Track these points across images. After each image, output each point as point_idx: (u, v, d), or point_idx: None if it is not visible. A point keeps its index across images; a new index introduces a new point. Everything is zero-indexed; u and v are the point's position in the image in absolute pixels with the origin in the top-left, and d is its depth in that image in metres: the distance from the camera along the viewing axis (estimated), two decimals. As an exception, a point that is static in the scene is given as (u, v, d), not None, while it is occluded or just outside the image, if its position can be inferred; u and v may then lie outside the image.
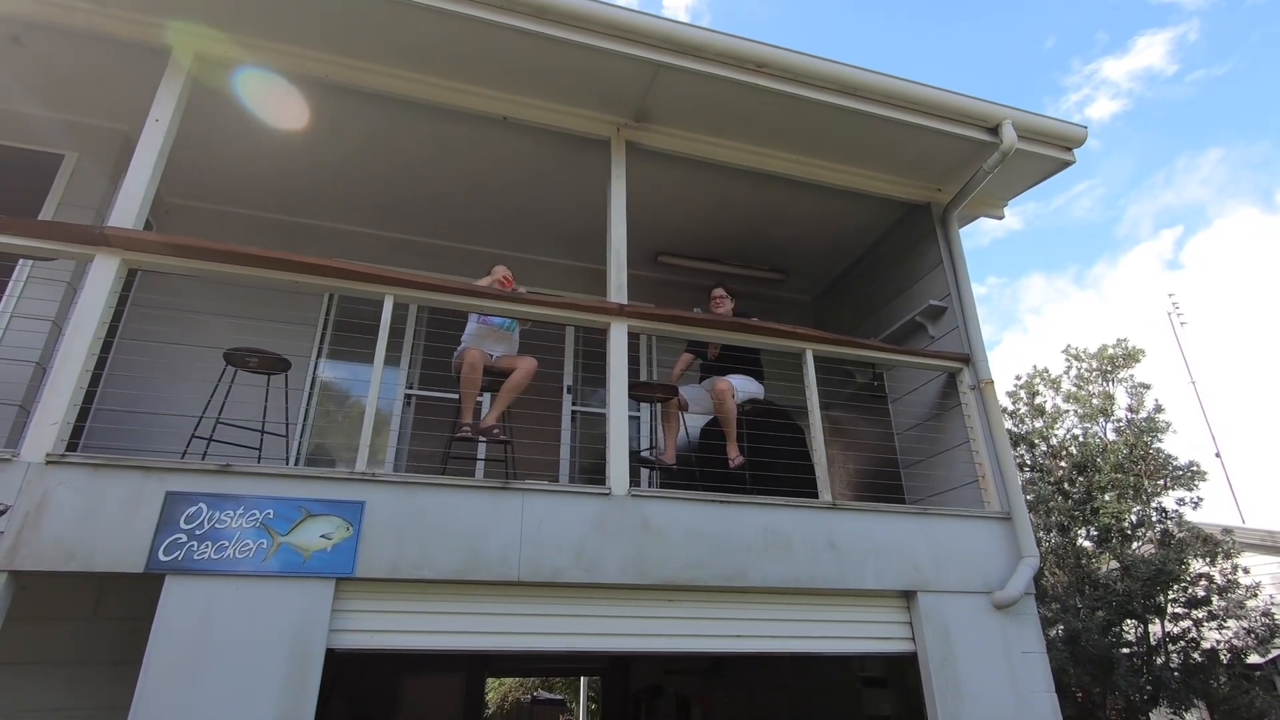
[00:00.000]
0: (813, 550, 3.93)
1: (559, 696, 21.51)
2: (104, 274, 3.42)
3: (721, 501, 3.90)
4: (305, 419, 4.30)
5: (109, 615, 3.79)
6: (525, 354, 4.23)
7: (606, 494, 3.73)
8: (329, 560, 3.21)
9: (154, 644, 2.89)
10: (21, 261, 4.01)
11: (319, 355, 5.17)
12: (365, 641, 3.22)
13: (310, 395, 4.82)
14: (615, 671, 11.48)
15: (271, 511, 3.22)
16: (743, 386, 4.54)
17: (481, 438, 3.95)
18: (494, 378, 4.16)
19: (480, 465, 4.99)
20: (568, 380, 5.94)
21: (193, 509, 3.13)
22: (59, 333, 4.19)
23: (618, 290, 4.29)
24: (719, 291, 4.95)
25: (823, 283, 6.93)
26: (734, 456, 4.39)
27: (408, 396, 5.46)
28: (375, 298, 3.86)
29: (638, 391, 4.28)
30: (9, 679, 3.51)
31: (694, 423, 4.98)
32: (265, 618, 3.05)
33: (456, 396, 5.43)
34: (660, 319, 4.29)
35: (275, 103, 4.39)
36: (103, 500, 3.05)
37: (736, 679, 7.59)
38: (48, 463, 3.05)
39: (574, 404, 5.91)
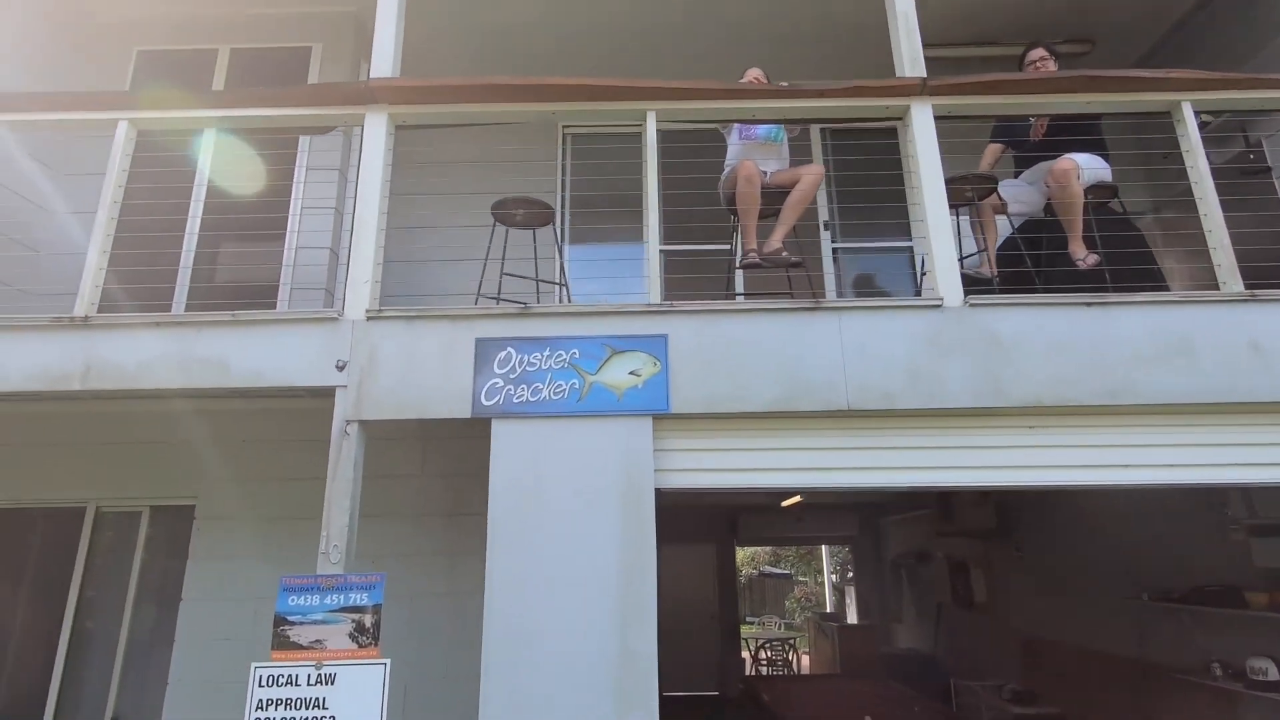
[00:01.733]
0: (1226, 355, 2.98)
1: (784, 570, 21.92)
2: (376, 132, 3.32)
3: (1091, 303, 3.05)
4: (562, 269, 4.12)
5: (435, 472, 4.02)
6: (806, 163, 3.58)
7: (937, 305, 3.07)
8: (642, 397, 2.97)
9: (495, 488, 2.88)
10: (300, 148, 4.12)
11: (563, 207, 4.97)
12: (688, 480, 2.99)
13: (562, 244, 4.60)
14: (866, 538, 11.15)
15: (577, 351, 3.03)
16: (1089, 165, 3.51)
17: (768, 263, 3.46)
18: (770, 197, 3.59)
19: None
20: (824, 215, 5.21)
21: (503, 353, 3.03)
22: (339, 219, 4.34)
23: (912, 62, 3.43)
24: (1038, 53, 3.83)
25: (1141, 47, 5.32)
26: (1082, 254, 3.46)
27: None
28: (630, 120, 3.44)
29: (952, 185, 3.47)
30: (372, 527, 3.84)
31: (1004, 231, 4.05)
32: (592, 458, 2.91)
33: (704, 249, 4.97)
34: (978, 89, 3.37)
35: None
36: (422, 350, 3.04)
37: (1034, 534, 6.78)
38: (368, 318, 3.09)
39: (834, 241, 5.20)
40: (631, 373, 3.00)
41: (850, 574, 16.71)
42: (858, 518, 10.94)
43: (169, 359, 3.04)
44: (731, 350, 3.03)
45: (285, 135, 4.05)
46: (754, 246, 3.48)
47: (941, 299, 3.07)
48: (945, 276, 3.12)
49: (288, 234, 4.12)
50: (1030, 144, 3.85)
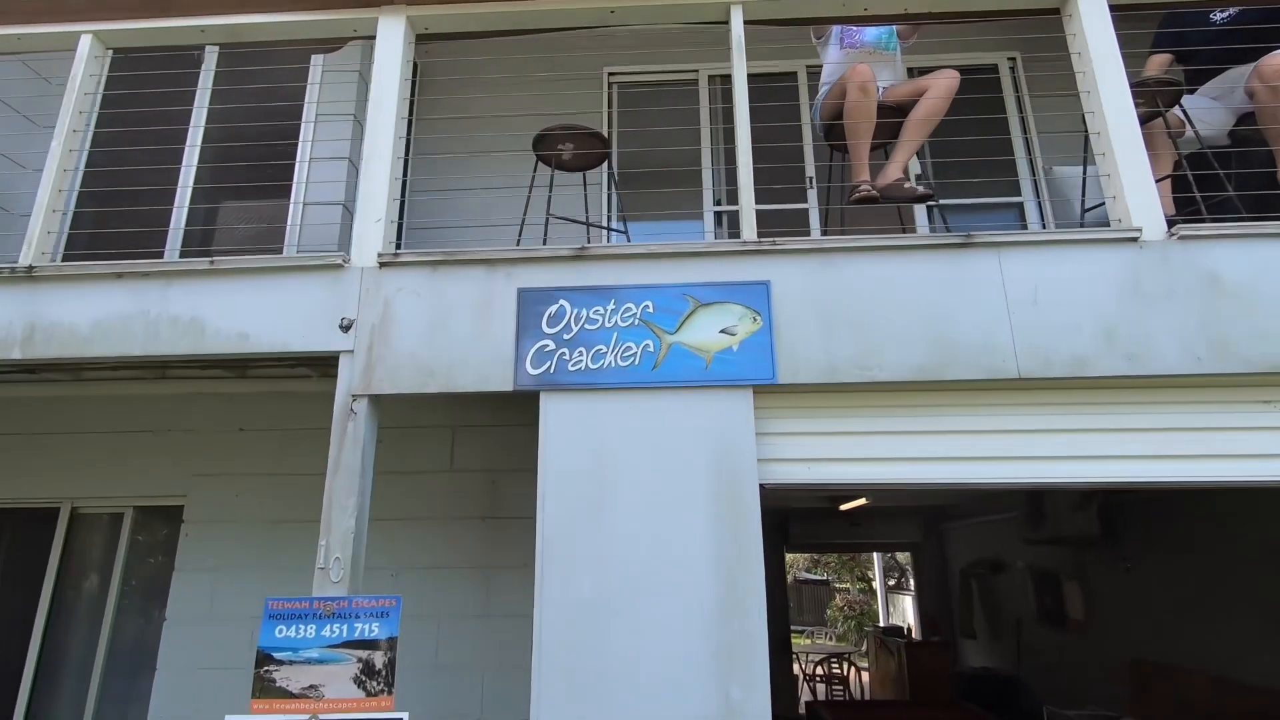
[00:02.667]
0: None
1: (821, 577, 20.91)
2: (392, 38, 2.65)
3: (1355, 232, 2.24)
4: (619, 213, 3.42)
5: (467, 466, 3.32)
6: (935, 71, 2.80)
7: (1133, 238, 2.28)
8: (738, 363, 2.24)
9: (545, 484, 2.16)
10: (310, 80, 3.46)
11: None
12: (801, 474, 2.24)
13: (612, 181, 3.84)
14: (931, 544, 10.24)
15: (650, 303, 2.31)
16: (1304, 63, 2.68)
17: (889, 198, 2.71)
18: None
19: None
20: (914, 167, 4.40)
21: (554, 308, 2.32)
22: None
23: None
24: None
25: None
26: (1304, 180, 2.63)
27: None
28: (709, 18, 2.72)
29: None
30: (387, 534, 3.17)
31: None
32: (672, 444, 2.19)
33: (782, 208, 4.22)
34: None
35: None
36: (449, 305, 2.35)
37: (1151, 542, 5.87)
38: (381, 265, 2.40)
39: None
40: (723, 331, 2.26)
41: (892, 582, 15.72)
42: (921, 522, 10.04)
43: (132, 320, 2.38)
44: (856, 300, 2.28)
45: (291, 63, 3.41)
46: (867, 177, 2.73)
47: (1139, 230, 2.28)
48: (1139, 200, 2.32)
49: (294, 186, 3.46)
50: (1211, 52, 3.02)
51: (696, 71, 4.64)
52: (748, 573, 2.07)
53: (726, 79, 4.61)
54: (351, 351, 2.31)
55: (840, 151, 3.13)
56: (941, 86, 2.65)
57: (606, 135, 4.29)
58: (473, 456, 3.34)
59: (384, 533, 3.30)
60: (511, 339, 2.29)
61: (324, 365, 2.41)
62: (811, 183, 3.96)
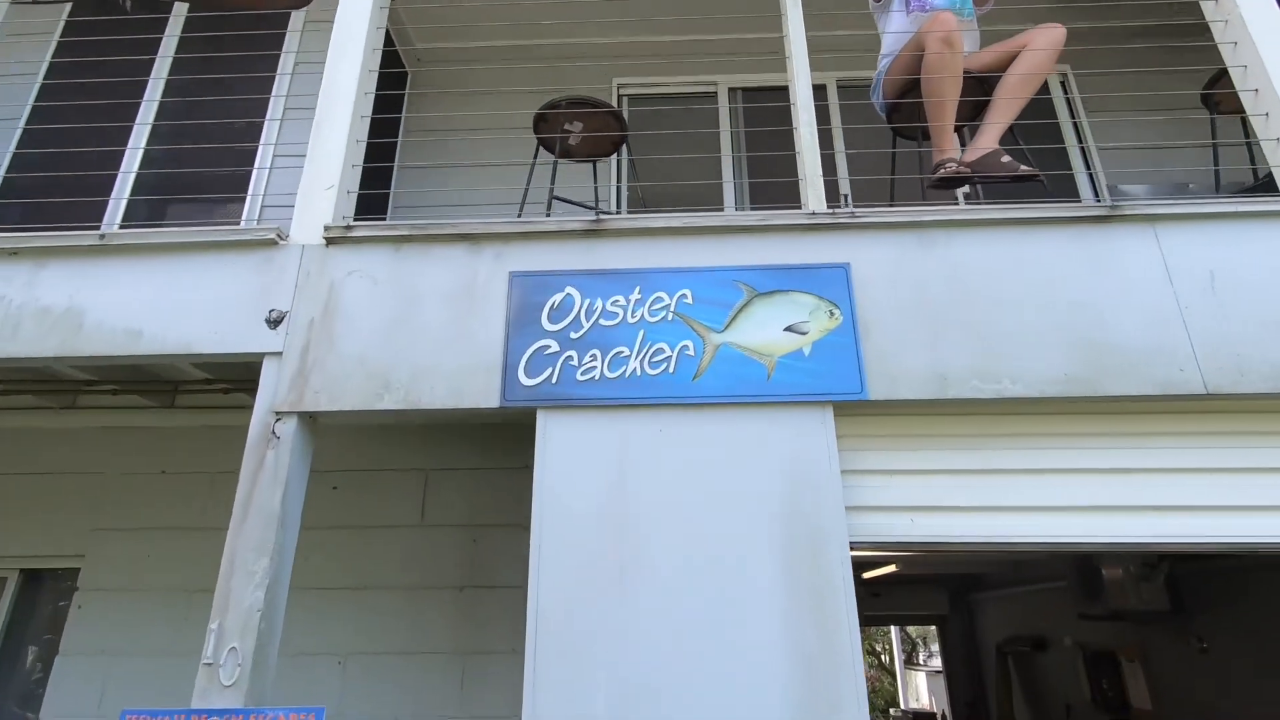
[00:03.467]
0: None
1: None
2: (361, -24, 2.14)
3: None
4: (623, 196, 2.85)
5: (443, 519, 2.64)
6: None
7: (1336, 212, 1.71)
8: (811, 372, 1.62)
9: (541, 539, 1.51)
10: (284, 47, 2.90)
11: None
12: (907, 529, 1.58)
13: (630, 168, 3.26)
14: (958, 617, 9.35)
15: (688, 292, 1.70)
16: None
17: (983, 176, 2.14)
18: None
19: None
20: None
21: (558, 297, 1.71)
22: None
23: None
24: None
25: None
26: None
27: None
28: None
29: None
30: (330, 609, 2.47)
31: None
32: (724, 483, 1.54)
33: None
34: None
35: None
36: (417, 293, 1.74)
37: (1233, 617, 5.11)
38: (328, 242, 1.80)
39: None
40: (789, 329, 1.65)
41: (903, 657, 14.66)
42: (948, 591, 9.19)
43: (-13, 310, 1.76)
44: (970, 290, 1.68)
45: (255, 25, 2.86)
46: (955, 151, 2.18)
47: (1342, 200, 1.71)
48: (1333, 166, 1.77)
49: (259, 149, 2.79)
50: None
51: (715, 84, 4.20)
52: (839, 672, 1.39)
53: (748, 92, 4.16)
54: (280, 354, 1.68)
55: (906, 138, 2.59)
56: (1047, 38, 2.13)
57: (617, 161, 3.79)
58: (450, 507, 2.66)
59: (330, 605, 2.60)
60: (499, 338, 1.67)
61: (235, 365, 1.79)
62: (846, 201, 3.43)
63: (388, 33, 2.68)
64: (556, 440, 1.58)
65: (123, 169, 2.61)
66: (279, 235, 1.79)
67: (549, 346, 1.66)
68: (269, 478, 1.57)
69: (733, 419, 1.59)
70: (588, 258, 1.75)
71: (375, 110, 2.05)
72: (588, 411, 1.60)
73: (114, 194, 2.66)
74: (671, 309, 1.68)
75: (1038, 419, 1.63)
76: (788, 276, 1.70)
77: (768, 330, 1.65)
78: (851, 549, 1.50)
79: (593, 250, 1.76)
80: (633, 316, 1.68)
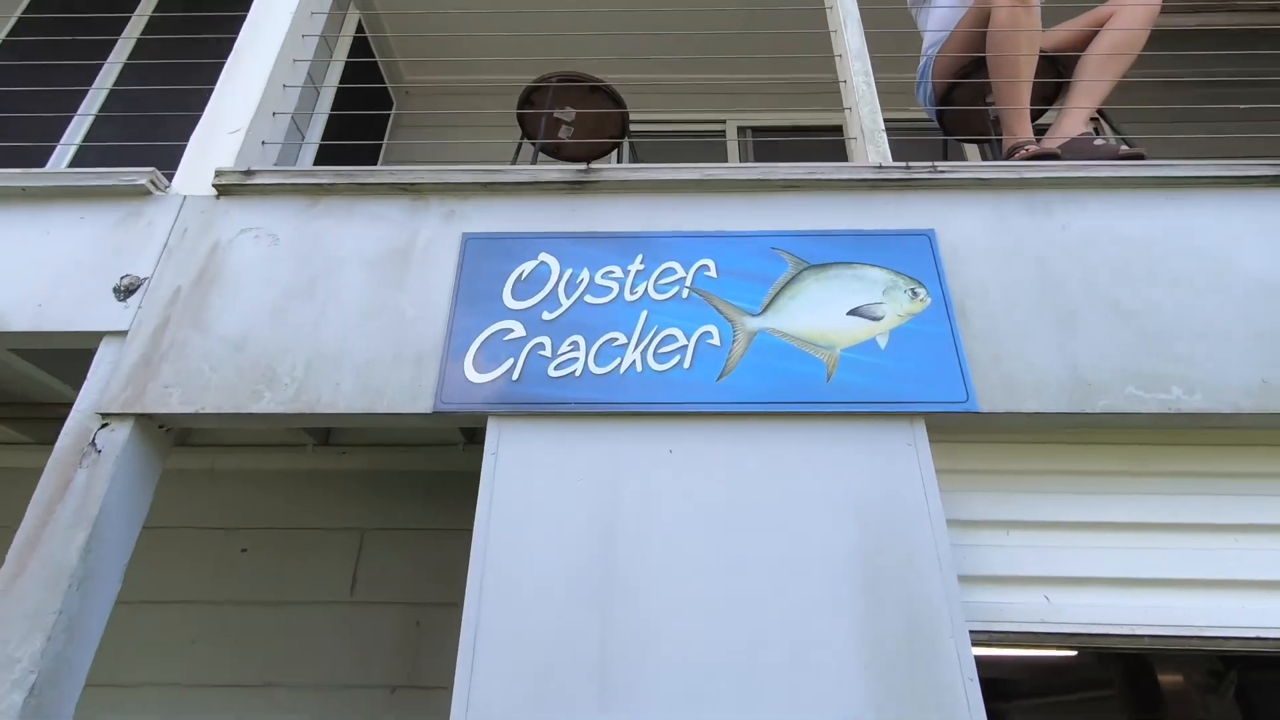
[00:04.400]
0: None
1: None
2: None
3: None
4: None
5: (374, 597, 2.03)
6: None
7: None
8: (890, 372, 1.11)
9: (480, 606, 0.95)
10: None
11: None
12: (1044, 613, 1.03)
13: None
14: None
15: (710, 262, 1.21)
16: None
17: (1074, 159, 1.70)
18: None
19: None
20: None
21: (529, 265, 1.21)
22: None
23: None
24: None
25: None
26: None
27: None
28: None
29: None
30: (226, 714, 1.85)
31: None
32: (766, 535, 1.00)
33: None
34: None
35: None
36: (332, 259, 1.24)
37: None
38: (220, 192, 1.32)
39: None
40: (854, 313, 1.16)
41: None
42: (973, 699, 8.22)
43: None
44: (1109, 267, 1.19)
45: None
46: (1030, 132, 1.75)
47: None
48: None
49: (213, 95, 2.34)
50: None
51: (724, 122, 3.90)
52: None
53: (758, 131, 3.84)
54: (124, 333, 1.17)
55: (962, 139, 2.18)
56: (1140, 13, 1.74)
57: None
58: (389, 578, 2.06)
59: (225, 708, 1.97)
60: (442, 317, 1.17)
61: (68, 345, 1.27)
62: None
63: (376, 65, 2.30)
64: (514, 463, 1.04)
65: (81, 110, 2.15)
66: (153, 183, 1.31)
67: (511, 330, 1.15)
68: (70, 512, 1.02)
69: (776, 435, 1.06)
70: (572, 218, 1.27)
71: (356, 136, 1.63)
72: (563, 421, 1.07)
73: (63, 139, 2.18)
74: (688, 283, 1.19)
75: (1225, 449, 1.11)
76: (849, 245, 1.22)
77: (824, 314, 1.15)
78: (972, 644, 0.94)
79: (579, 209, 1.28)
80: (632, 293, 1.18)
